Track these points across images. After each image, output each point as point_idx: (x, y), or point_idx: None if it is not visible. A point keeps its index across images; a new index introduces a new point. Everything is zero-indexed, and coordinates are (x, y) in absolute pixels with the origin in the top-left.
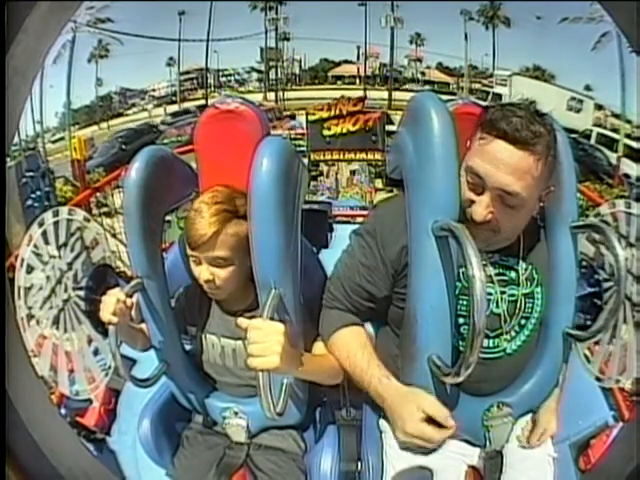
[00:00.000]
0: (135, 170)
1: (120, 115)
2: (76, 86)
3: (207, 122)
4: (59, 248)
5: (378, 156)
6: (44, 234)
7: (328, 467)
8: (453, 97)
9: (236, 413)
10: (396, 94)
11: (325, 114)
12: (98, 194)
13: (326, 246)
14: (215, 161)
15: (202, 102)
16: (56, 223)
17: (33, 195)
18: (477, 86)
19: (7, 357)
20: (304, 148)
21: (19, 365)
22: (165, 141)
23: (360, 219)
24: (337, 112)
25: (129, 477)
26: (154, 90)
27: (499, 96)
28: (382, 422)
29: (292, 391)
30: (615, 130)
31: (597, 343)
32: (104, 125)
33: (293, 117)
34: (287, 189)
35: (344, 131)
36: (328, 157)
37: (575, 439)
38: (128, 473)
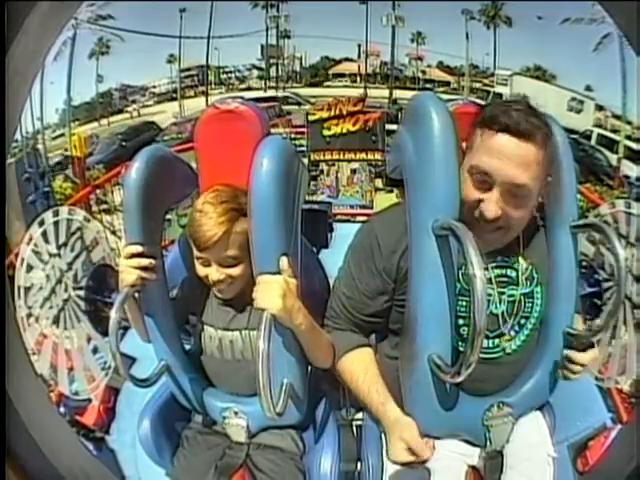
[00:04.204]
0: (135, 170)
1: (120, 112)
2: (77, 83)
3: (207, 122)
4: (59, 248)
5: (378, 156)
6: (44, 234)
7: (328, 467)
8: (454, 98)
9: (236, 413)
10: (397, 93)
11: (325, 114)
12: (98, 191)
13: (326, 246)
14: (215, 161)
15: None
16: (56, 223)
17: (32, 193)
18: (478, 85)
19: (7, 357)
20: (304, 148)
21: (19, 365)
22: (165, 138)
23: (360, 217)
24: (337, 112)
25: (128, 476)
26: (154, 87)
27: (500, 96)
28: None
29: (292, 391)
30: (615, 131)
31: (597, 343)
32: (104, 122)
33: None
34: (287, 189)
35: (344, 131)
36: (328, 157)
37: (573, 440)
38: (127, 472)
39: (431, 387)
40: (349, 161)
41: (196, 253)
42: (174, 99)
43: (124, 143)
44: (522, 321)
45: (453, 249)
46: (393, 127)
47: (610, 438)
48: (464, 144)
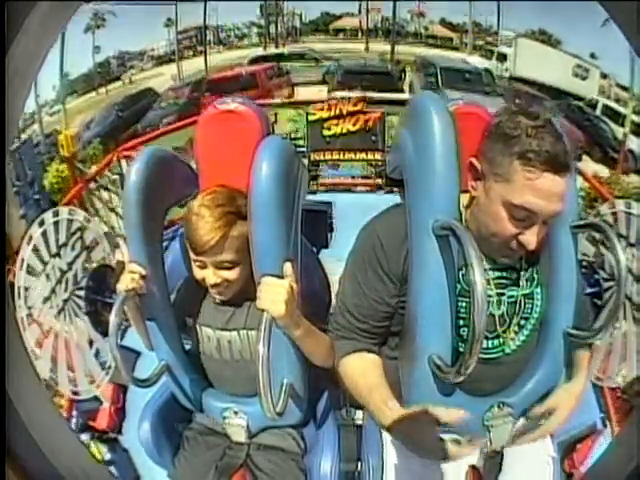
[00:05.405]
0: (135, 170)
1: (118, 79)
2: (74, 56)
3: (207, 122)
4: (59, 248)
5: (378, 156)
6: (44, 234)
7: (328, 467)
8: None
9: (236, 413)
10: (398, 48)
11: (325, 114)
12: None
13: (326, 246)
14: (215, 161)
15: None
16: (56, 223)
17: (23, 205)
18: (481, 43)
19: (7, 357)
20: (304, 148)
21: (19, 365)
22: (162, 104)
23: (361, 187)
24: (337, 112)
25: (142, 476)
26: (153, 50)
27: (504, 56)
28: None
29: (292, 391)
30: (618, 100)
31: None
32: (102, 90)
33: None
34: (287, 189)
35: (344, 131)
36: (328, 157)
37: (563, 438)
38: (142, 472)
39: (431, 387)
40: (349, 161)
41: (193, 256)
42: (172, 61)
43: (120, 113)
44: (522, 322)
45: (453, 249)
46: (396, 95)
47: (597, 442)
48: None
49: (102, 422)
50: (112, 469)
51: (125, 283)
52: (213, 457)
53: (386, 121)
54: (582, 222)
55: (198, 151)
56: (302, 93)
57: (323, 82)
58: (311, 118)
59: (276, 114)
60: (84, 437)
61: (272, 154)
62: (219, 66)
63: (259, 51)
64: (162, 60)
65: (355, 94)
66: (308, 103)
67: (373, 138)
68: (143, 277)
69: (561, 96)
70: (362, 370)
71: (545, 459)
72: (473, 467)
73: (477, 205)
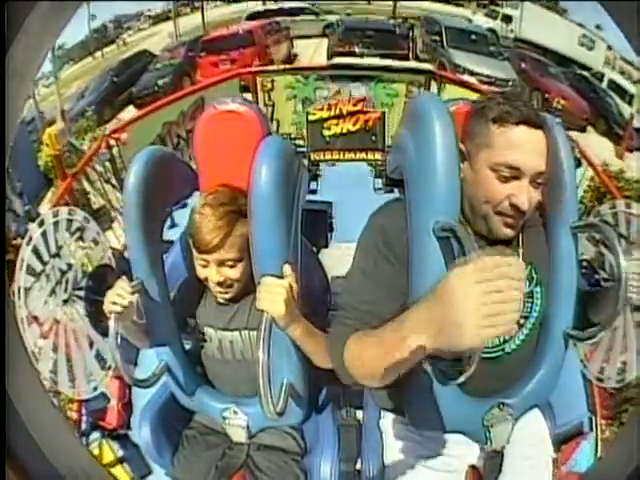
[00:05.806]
0: (134, 172)
1: (113, 42)
2: (70, 26)
3: (207, 122)
4: (59, 248)
5: (378, 156)
6: (44, 234)
7: (328, 467)
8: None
9: (236, 413)
10: (401, 2)
11: (325, 114)
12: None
13: (326, 246)
14: (215, 161)
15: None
16: (56, 223)
17: (15, 222)
18: (485, 2)
19: (7, 357)
20: (304, 148)
21: (19, 365)
22: (158, 66)
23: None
24: (337, 112)
25: (155, 470)
26: (149, 10)
27: (509, 17)
28: (382, 422)
29: (292, 391)
30: (623, 73)
31: (597, 344)
32: (98, 54)
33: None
34: (287, 190)
35: (344, 131)
36: (328, 157)
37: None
38: (154, 466)
39: (431, 387)
40: (349, 161)
41: (196, 254)
42: (170, 19)
43: (115, 79)
44: (522, 321)
45: (454, 250)
46: (409, 64)
47: (581, 445)
48: (473, 141)
49: (112, 420)
50: (125, 466)
51: (113, 304)
52: (213, 457)
53: (386, 120)
54: (582, 223)
55: (198, 151)
56: (301, 46)
57: (323, 36)
58: (311, 118)
59: (273, 81)
60: (95, 436)
61: (272, 154)
62: (217, 21)
63: (258, 6)
64: (159, 19)
65: (357, 60)
66: (307, 69)
67: (373, 138)
68: (133, 293)
69: (567, 64)
70: (359, 335)
71: (545, 459)
72: (473, 467)
73: (466, 183)
